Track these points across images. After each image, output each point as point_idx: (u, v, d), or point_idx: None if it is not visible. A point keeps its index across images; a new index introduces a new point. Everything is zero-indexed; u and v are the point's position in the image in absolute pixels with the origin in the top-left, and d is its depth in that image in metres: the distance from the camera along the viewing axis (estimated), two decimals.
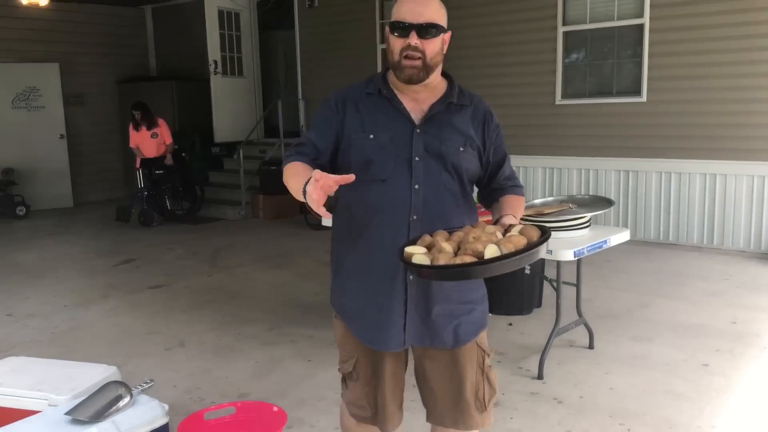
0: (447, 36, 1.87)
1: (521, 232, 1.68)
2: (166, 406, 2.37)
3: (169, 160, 8.60)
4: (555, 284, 3.92)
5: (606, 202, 4.08)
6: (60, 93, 10.28)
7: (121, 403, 2.28)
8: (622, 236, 3.89)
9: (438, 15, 1.84)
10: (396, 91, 1.92)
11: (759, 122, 6.23)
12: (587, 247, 3.57)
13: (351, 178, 1.60)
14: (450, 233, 1.75)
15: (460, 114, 1.94)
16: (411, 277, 1.88)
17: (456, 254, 1.64)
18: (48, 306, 5.30)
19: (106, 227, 8.61)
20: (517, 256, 1.57)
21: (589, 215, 3.78)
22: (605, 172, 7.17)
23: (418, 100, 1.91)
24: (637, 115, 6.91)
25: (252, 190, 9.30)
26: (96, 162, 10.92)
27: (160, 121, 8.64)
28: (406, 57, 1.82)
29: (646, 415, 3.24)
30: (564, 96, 7.36)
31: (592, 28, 7.12)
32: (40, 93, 10.14)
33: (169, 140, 8.65)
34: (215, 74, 9.64)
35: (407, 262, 1.65)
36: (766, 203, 6.30)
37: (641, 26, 6.76)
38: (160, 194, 8.70)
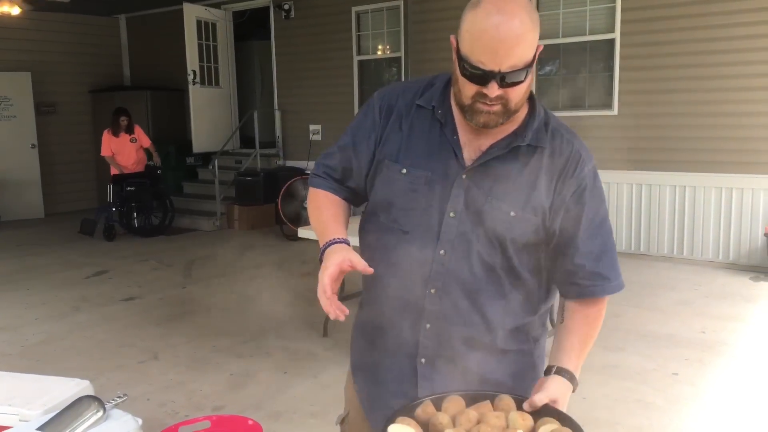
0: (537, 52, 1.34)
1: None
2: (140, 421, 2.35)
3: (156, 160, 8.55)
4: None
5: None
6: (32, 102, 10.15)
7: (93, 418, 2.25)
8: None
9: (530, 44, 1.30)
10: (455, 112, 1.45)
11: (727, 135, 6.38)
12: None
13: (369, 271, 1.33)
14: (468, 397, 1.34)
15: (531, 160, 1.42)
16: (423, 360, 1.50)
17: None
18: (19, 319, 5.21)
19: (79, 238, 8.49)
20: None
21: None
22: None
23: (480, 131, 1.42)
24: (609, 127, 7.03)
25: (227, 200, 9.26)
26: (68, 172, 10.79)
27: (136, 127, 8.59)
28: (482, 102, 1.34)
29: (617, 424, 3.30)
30: None
31: (565, 42, 7.25)
32: (11, 102, 9.99)
33: (147, 143, 8.60)
34: (194, 84, 9.60)
35: None
36: (734, 214, 6.45)
37: (612, 41, 6.90)
38: (129, 210, 8.52)
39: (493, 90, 1.30)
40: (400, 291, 1.47)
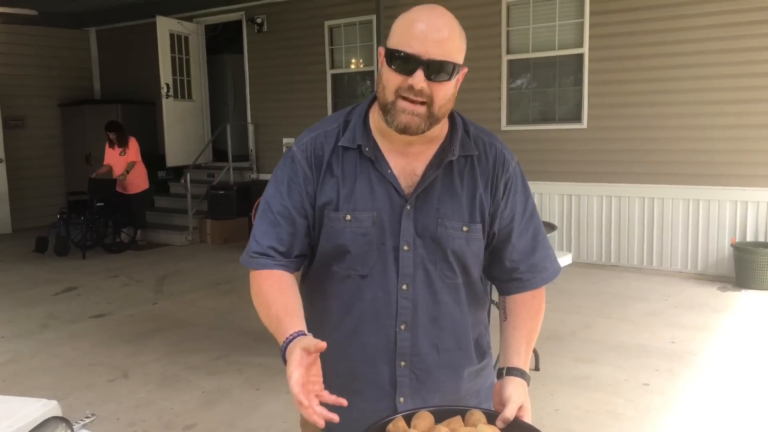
0: (462, 74, 1.37)
1: None
2: None
3: (122, 177, 8.45)
4: (498, 305, 3.99)
5: (548, 227, 4.19)
6: None
7: None
8: (565, 260, 4.00)
9: (457, 46, 1.32)
10: (380, 141, 1.42)
11: (694, 148, 6.52)
12: None
13: (322, 347, 1.19)
14: (438, 411, 1.34)
15: (465, 170, 1.43)
16: (401, 399, 1.46)
17: None
18: None
19: (46, 254, 8.34)
20: None
21: None
22: (549, 196, 7.36)
23: (409, 155, 1.42)
24: (579, 140, 7.14)
25: (200, 214, 9.18)
26: (36, 187, 10.60)
27: (131, 140, 8.62)
28: (404, 98, 1.31)
29: None
30: (509, 122, 7.54)
31: (534, 57, 7.35)
32: None
33: (132, 158, 8.56)
34: (167, 97, 9.53)
35: None
36: (701, 226, 6.58)
37: (581, 55, 7.02)
38: (92, 226, 8.31)
39: (419, 79, 1.28)
40: (369, 335, 1.43)
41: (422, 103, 1.31)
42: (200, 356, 4.57)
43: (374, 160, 1.40)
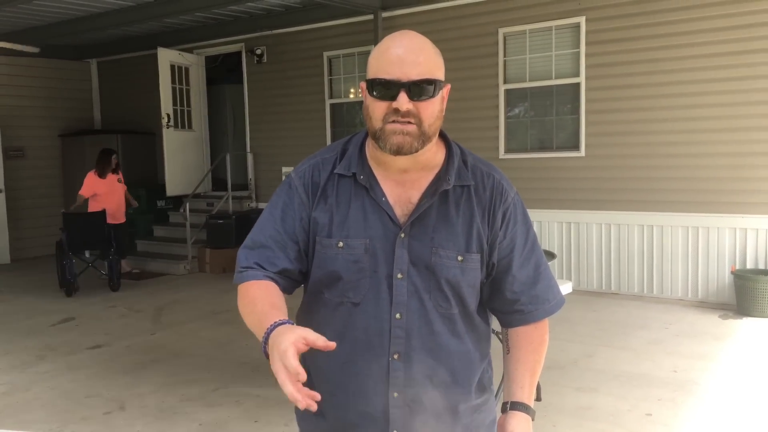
0: (446, 90, 1.38)
1: None
2: None
3: (132, 202, 8.49)
4: (501, 336, 3.96)
5: (548, 255, 4.19)
6: None
7: None
8: (565, 288, 3.98)
9: (435, 64, 1.35)
10: (375, 170, 1.43)
11: (692, 176, 6.54)
12: None
13: (331, 346, 1.14)
14: None
15: (461, 200, 1.43)
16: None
17: None
18: None
19: (44, 284, 8.29)
20: None
21: None
22: (548, 224, 7.36)
23: (405, 183, 1.43)
24: (577, 168, 7.16)
25: (198, 243, 9.17)
26: (35, 217, 10.59)
27: (119, 170, 8.48)
28: (393, 122, 1.33)
29: None
30: (507, 150, 7.58)
31: (531, 86, 7.41)
32: None
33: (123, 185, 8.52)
34: (167, 128, 9.59)
35: None
36: (701, 253, 6.57)
37: (578, 85, 7.07)
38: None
39: (404, 101, 1.30)
40: (360, 365, 1.40)
41: (411, 123, 1.33)
42: (198, 387, 4.52)
43: (369, 188, 1.41)
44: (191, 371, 4.89)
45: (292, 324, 1.23)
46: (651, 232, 6.81)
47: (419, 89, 1.31)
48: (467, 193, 1.43)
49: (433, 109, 1.34)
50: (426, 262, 1.39)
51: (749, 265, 6.33)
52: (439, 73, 1.35)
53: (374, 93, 1.33)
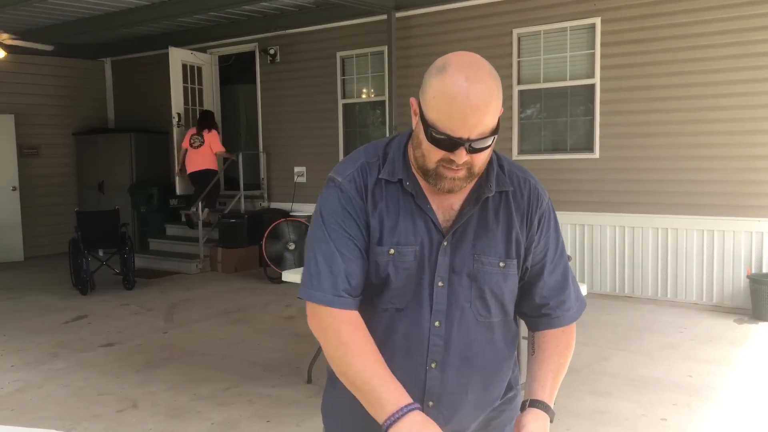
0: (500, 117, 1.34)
1: None
2: None
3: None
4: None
5: None
6: (14, 145, 10.07)
7: None
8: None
9: (495, 110, 1.29)
10: (418, 177, 1.41)
11: (707, 178, 6.47)
12: None
13: None
14: None
15: (500, 206, 1.43)
16: None
17: None
18: None
19: (57, 282, 8.34)
20: None
21: None
22: (562, 226, 7.27)
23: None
24: (591, 170, 7.11)
25: (211, 243, 9.18)
26: (49, 214, 10.66)
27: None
28: (445, 167, 1.32)
29: None
30: (521, 152, 7.54)
31: (546, 87, 7.37)
32: None
33: (217, 148, 9.31)
34: (178, 127, 9.63)
35: None
36: (716, 257, 6.50)
37: (593, 86, 7.02)
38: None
39: (461, 156, 1.28)
40: (399, 372, 1.37)
41: (464, 169, 1.32)
42: (210, 386, 4.52)
43: (415, 195, 1.40)
44: (203, 370, 4.89)
45: (420, 410, 1.27)
46: (666, 235, 6.74)
47: (478, 144, 1.28)
48: (505, 199, 1.43)
49: (486, 155, 1.33)
50: (468, 270, 1.40)
51: (765, 269, 6.26)
52: (497, 116, 1.30)
53: (432, 139, 1.29)
